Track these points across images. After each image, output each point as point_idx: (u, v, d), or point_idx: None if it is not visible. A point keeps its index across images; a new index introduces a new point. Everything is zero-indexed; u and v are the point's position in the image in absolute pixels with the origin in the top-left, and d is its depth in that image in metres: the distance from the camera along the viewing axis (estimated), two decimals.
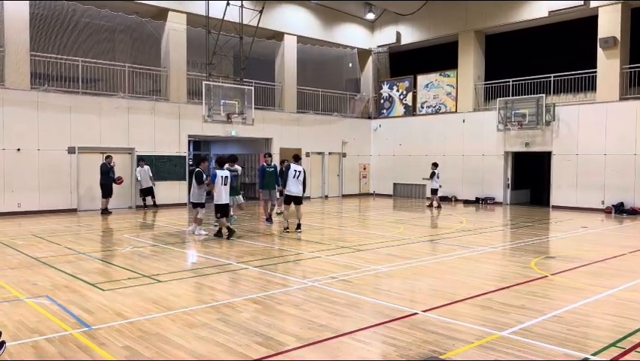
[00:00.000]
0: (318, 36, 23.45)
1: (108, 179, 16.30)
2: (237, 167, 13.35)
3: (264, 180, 14.03)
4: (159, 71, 19.28)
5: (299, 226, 12.30)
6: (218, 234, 11.58)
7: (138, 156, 17.85)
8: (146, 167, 17.65)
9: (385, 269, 8.30)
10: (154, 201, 17.86)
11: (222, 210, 11.41)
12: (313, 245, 10.75)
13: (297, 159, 12.64)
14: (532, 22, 20.37)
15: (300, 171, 12.23)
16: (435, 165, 19.19)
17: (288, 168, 12.33)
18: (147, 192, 17.79)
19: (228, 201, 11.60)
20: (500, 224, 15.15)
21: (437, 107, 23.34)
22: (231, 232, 11.45)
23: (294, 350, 4.73)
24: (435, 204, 19.03)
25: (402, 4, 23.29)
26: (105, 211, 16.28)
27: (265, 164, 14.22)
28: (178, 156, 19.05)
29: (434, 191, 19.06)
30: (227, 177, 11.43)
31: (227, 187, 11.45)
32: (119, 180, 16.58)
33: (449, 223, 14.68)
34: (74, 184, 16.72)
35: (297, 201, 12.31)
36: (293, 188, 12.22)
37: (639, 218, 16.20)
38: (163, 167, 18.21)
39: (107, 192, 16.36)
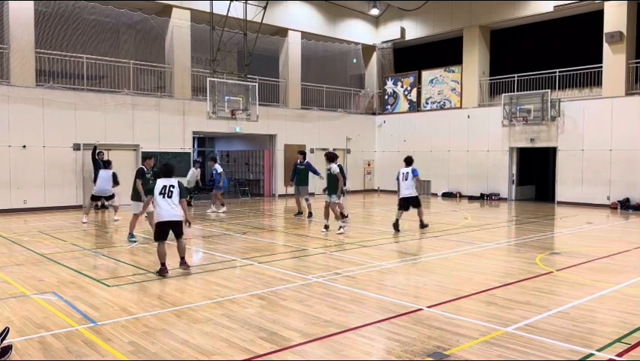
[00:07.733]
0: (322, 32, 23.40)
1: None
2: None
3: (296, 177, 14.74)
4: (163, 68, 19.29)
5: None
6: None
7: (194, 159, 18.00)
8: (199, 170, 17.59)
9: (389, 265, 8.31)
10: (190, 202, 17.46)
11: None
12: (317, 241, 10.76)
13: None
14: (538, 17, 20.24)
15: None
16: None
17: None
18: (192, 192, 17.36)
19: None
20: (505, 220, 15.11)
21: (441, 102, 23.26)
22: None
23: (299, 345, 4.74)
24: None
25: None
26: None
27: (298, 161, 14.84)
28: (183, 153, 19.09)
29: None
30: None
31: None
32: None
33: (454, 219, 14.66)
34: (79, 181, 16.78)
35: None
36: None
37: None
38: None
39: None
